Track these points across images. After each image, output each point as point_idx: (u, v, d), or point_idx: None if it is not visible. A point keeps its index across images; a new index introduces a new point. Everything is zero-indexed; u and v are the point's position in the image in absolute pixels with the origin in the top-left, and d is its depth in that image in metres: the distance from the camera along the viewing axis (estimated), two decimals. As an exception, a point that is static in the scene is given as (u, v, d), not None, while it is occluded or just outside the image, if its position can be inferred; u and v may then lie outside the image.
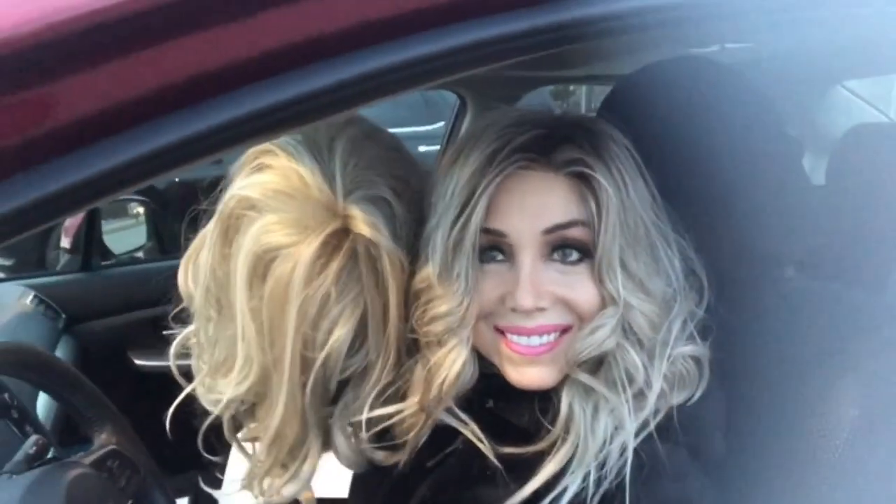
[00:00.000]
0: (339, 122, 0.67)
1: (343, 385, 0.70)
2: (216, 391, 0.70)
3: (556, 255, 0.63)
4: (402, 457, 0.69)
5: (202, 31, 0.42)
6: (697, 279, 0.68)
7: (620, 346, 0.63)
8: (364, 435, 0.68)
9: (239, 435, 0.75)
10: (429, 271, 0.64)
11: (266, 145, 0.66)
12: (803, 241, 0.75)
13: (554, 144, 0.63)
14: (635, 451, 0.61)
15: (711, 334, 0.66)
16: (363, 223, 0.62)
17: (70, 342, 1.85)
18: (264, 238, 0.63)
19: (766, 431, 0.68)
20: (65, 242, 2.24)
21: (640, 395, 0.63)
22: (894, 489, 0.62)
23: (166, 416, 0.77)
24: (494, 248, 0.64)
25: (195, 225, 0.72)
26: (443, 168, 0.65)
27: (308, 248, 0.61)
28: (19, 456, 0.88)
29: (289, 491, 0.72)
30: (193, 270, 0.71)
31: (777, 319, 0.72)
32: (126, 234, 2.39)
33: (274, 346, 0.64)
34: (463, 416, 0.68)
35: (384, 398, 0.68)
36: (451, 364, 0.65)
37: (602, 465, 0.61)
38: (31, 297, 1.84)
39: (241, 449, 0.75)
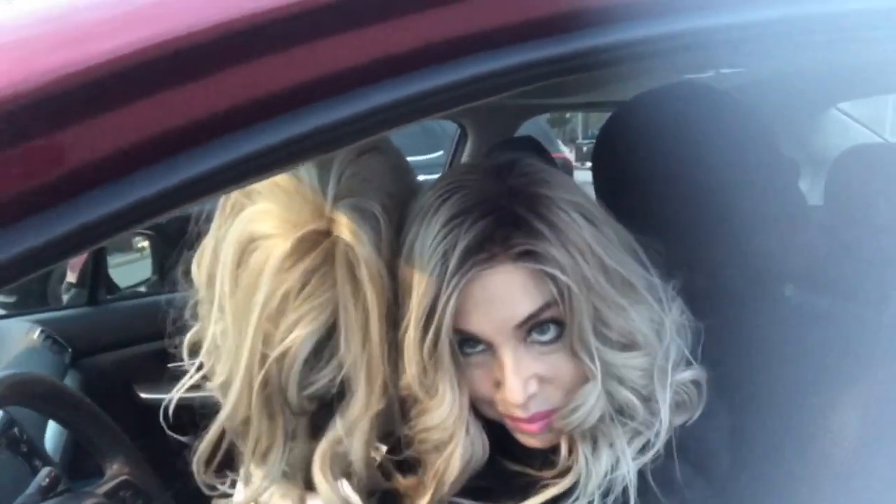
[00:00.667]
0: None
1: (328, 415, 0.68)
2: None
3: (534, 335, 0.62)
4: None
5: (206, 78, 0.43)
6: (677, 283, 0.68)
7: (614, 401, 0.63)
8: (361, 476, 0.67)
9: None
10: (409, 379, 0.63)
11: None
12: (801, 258, 0.76)
13: (504, 233, 0.60)
14: (640, 470, 0.62)
15: (701, 338, 0.67)
16: (345, 228, 0.61)
17: (76, 376, 1.86)
18: (249, 226, 0.63)
19: (768, 446, 0.68)
20: (71, 277, 2.26)
21: (644, 426, 0.63)
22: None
23: (177, 448, 0.76)
24: (472, 339, 0.63)
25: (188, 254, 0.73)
26: (402, 258, 0.63)
27: (284, 242, 0.61)
28: (32, 488, 0.88)
29: (260, 486, 0.70)
30: (204, 254, 0.72)
31: (777, 334, 0.73)
32: (131, 267, 2.41)
33: (238, 335, 0.64)
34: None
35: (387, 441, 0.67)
36: (454, 464, 0.65)
37: (606, 493, 0.62)
38: (37, 332, 1.85)
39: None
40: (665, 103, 0.84)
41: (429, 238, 0.61)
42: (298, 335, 0.62)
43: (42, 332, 1.86)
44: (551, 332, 0.61)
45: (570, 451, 0.65)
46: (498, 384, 0.62)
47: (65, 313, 2.08)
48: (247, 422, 0.66)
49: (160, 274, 2.30)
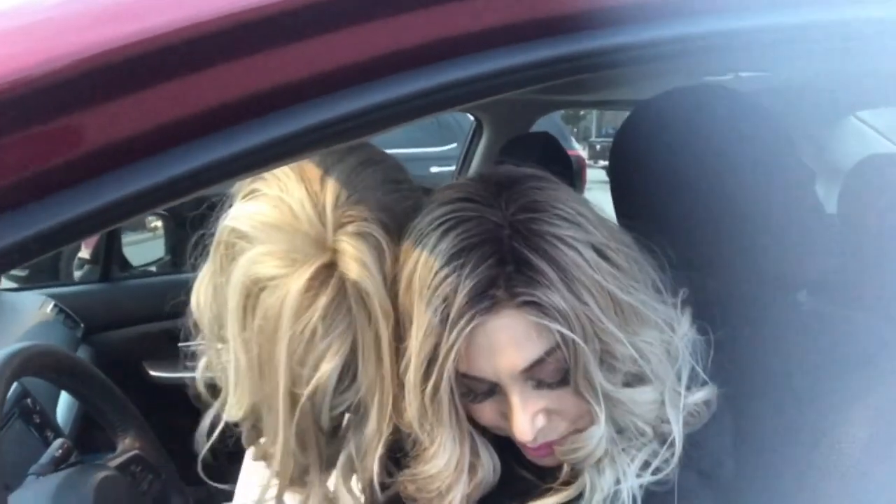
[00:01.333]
0: (338, 150, 0.66)
1: (343, 434, 0.69)
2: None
3: (543, 381, 0.61)
4: None
5: (229, 62, 0.44)
6: (686, 292, 0.68)
7: (621, 431, 0.63)
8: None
9: (254, 449, 0.75)
10: (409, 419, 0.63)
11: None
12: (815, 265, 0.76)
13: (507, 276, 0.58)
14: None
15: (711, 351, 0.67)
16: (351, 260, 0.61)
17: (88, 351, 1.89)
18: (253, 269, 0.62)
19: (774, 455, 0.68)
20: (84, 253, 2.28)
21: (652, 443, 0.64)
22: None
23: (184, 429, 0.78)
24: (477, 380, 0.62)
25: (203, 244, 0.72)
26: (401, 290, 0.62)
27: (297, 281, 0.61)
28: (45, 458, 0.90)
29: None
30: (200, 297, 0.71)
31: (788, 341, 0.74)
32: (145, 246, 2.43)
33: (264, 379, 0.64)
34: None
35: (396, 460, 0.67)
36: (460, 492, 0.64)
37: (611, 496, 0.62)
38: (51, 306, 1.87)
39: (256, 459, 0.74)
40: (684, 105, 0.84)
41: (428, 277, 0.59)
42: (325, 370, 0.63)
43: (55, 306, 1.88)
44: (558, 375, 0.60)
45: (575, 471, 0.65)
46: (505, 416, 0.62)
47: (78, 288, 2.10)
48: (287, 457, 0.67)
49: (172, 254, 2.33)
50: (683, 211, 0.80)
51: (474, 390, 0.62)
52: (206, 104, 0.43)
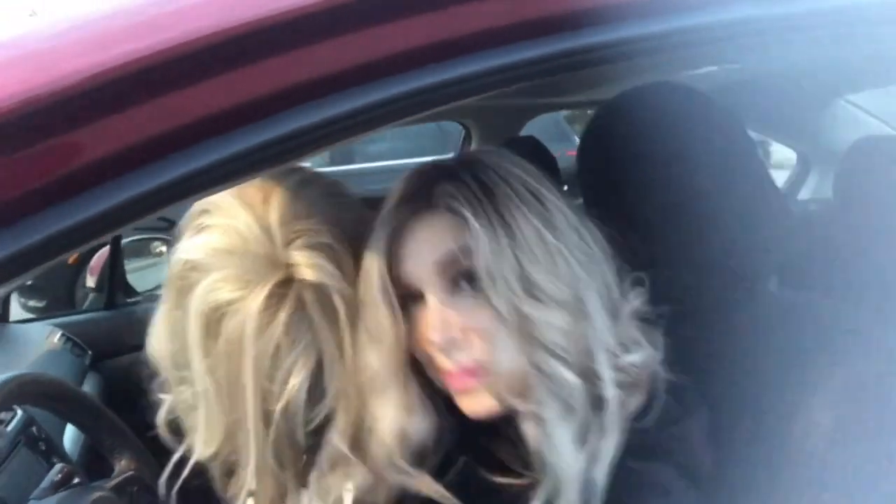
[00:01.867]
0: (274, 175, 0.68)
1: (315, 450, 0.69)
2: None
3: (462, 285, 0.64)
4: None
5: (215, 77, 0.47)
6: (638, 278, 0.69)
7: (537, 364, 0.62)
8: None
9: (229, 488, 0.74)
10: (360, 324, 0.66)
11: (204, 205, 0.67)
12: (778, 253, 0.77)
13: (440, 188, 0.64)
14: (624, 470, 0.61)
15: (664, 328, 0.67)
16: (307, 268, 0.63)
17: (96, 378, 1.91)
18: (210, 297, 0.64)
19: (744, 447, 0.68)
20: (90, 282, 2.32)
21: (596, 411, 0.62)
22: (876, 493, 0.64)
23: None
24: (411, 296, 0.66)
25: None
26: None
27: (254, 302, 0.62)
28: (45, 483, 0.92)
29: None
30: (157, 337, 0.72)
31: (753, 331, 0.74)
32: (149, 272, 2.47)
33: (234, 402, 0.65)
34: (411, 471, 0.66)
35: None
36: (391, 417, 0.65)
37: (587, 493, 0.60)
38: (58, 336, 1.91)
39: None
40: (643, 102, 0.85)
41: (385, 204, 0.67)
42: (294, 384, 0.64)
43: (63, 335, 1.92)
44: (474, 283, 0.63)
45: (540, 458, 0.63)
46: (430, 337, 0.64)
47: (84, 317, 2.14)
48: (266, 480, 0.67)
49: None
50: (647, 208, 0.81)
51: (404, 297, 0.66)
52: (191, 117, 0.47)
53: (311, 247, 0.64)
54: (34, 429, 1.11)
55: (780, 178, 2.26)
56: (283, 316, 0.63)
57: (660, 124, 0.80)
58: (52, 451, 1.11)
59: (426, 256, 0.64)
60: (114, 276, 2.10)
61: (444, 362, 0.64)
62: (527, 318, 0.61)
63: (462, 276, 0.64)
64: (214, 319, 0.64)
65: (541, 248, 0.63)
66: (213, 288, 0.64)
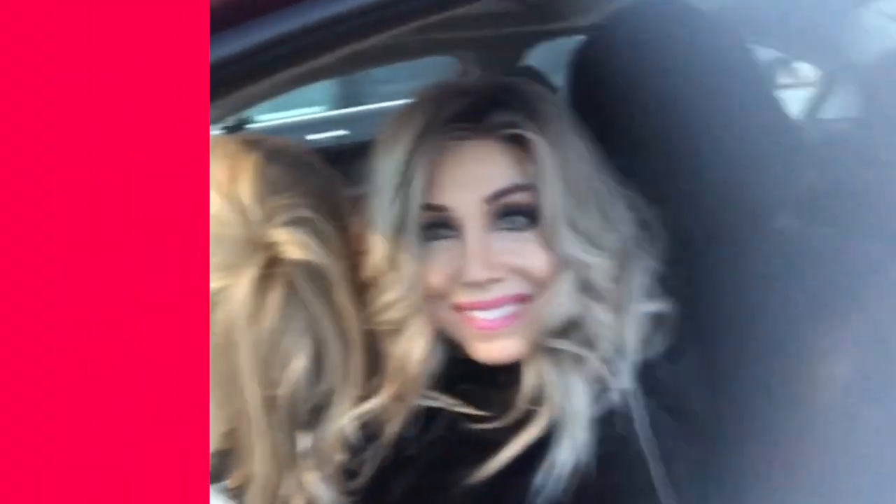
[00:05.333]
0: (237, 150, 0.64)
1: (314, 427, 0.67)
2: None
3: (503, 223, 0.60)
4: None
5: None
6: (652, 232, 0.65)
7: (586, 306, 0.61)
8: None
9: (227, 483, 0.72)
10: (374, 259, 0.61)
11: None
12: (791, 186, 0.69)
13: (485, 110, 0.60)
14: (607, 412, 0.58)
15: (671, 288, 0.63)
16: (290, 245, 0.60)
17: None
18: None
19: (750, 390, 0.64)
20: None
21: (615, 354, 0.60)
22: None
23: None
24: (439, 224, 0.61)
25: None
26: (378, 146, 0.62)
27: (241, 289, 0.59)
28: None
29: None
30: None
31: (767, 273, 0.67)
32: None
33: (235, 391, 0.62)
34: (435, 394, 0.65)
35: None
36: (413, 351, 0.63)
37: (596, 432, 0.57)
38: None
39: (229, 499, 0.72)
40: (639, 23, 0.75)
41: (413, 117, 0.60)
42: (295, 367, 0.61)
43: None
44: (521, 222, 0.60)
45: (540, 396, 0.60)
46: (457, 275, 0.60)
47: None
48: (273, 468, 0.65)
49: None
50: (646, 141, 0.73)
51: (435, 225, 0.61)
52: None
53: (292, 223, 0.61)
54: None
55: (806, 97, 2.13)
56: (273, 300, 0.60)
57: (652, 51, 0.71)
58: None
59: (479, 188, 0.59)
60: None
61: (472, 303, 0.60)
62: (580, 263, 0.60)
63: (513, 212, 0.59)
64: None
65: (592, 193, 0.61)
66: None
